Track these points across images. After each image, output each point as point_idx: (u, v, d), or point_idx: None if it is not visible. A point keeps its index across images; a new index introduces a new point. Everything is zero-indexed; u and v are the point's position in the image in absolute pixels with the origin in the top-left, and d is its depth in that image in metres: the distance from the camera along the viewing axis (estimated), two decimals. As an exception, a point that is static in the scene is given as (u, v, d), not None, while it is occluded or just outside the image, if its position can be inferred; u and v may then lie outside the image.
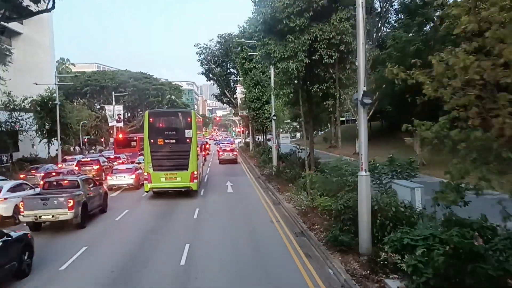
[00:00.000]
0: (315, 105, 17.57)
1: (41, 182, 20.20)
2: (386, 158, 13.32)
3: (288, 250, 11.74)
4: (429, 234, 7.10)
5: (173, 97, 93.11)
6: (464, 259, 6.45)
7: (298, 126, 29.80)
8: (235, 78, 53.78)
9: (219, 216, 16.41)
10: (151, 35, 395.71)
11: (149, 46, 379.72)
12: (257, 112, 35.75)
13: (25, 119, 38.08)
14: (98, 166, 29.01)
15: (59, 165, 33.49)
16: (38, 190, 18.47)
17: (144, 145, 20.43)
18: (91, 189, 17.36)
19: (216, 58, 52.99)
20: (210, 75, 54.55)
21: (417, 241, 7.07)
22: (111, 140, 63.06)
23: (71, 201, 14.81)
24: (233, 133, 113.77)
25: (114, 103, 67.58)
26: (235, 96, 53.25)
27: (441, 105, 6.93)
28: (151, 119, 20.22)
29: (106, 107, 68.66)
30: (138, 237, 13.45)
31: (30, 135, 39.11)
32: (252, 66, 36.41)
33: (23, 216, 14.51)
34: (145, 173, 20.35)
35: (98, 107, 79.22)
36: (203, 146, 34.89)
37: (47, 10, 31.09)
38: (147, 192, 20.67)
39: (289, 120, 31.36)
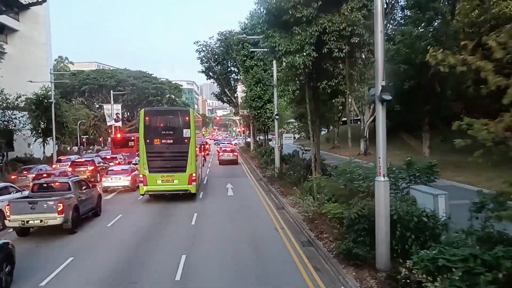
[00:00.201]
0: (321, 103, 16.40)
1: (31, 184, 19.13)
2: (393, 159, 12.23)
3: (295, 262, 10.61)
4: (469, 255, 5.94)
5: (172, 96, 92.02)
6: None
7: (300, 126, 28.60)
8: (235, 77, 52.57)
9: (219, 222, 15.27)
10: (151, 35, 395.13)
11: (149, 46, 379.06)
12: (259, 111, 34.60)
13: (19, 118, 36.90)
14: (93, 167, 27.87)
15: (54, 166, 32.38)
16: (26, 193, 17.45)
17: (140, 146, 19.25)
18: (84, 191, 16.42)
19: (216, 56, 51.76)
20: (210, 74, 53.32)
21: (455, 262, 5.91)
22: (110, 139, 61.88)
23: (61, 204, 13.89)
24: (233, 133, 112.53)
25: (112, 102, 66.43)
26: (235, 95, 52.04)
27: (468, 104, 5.89)
28: (146, 118, 19.06)
29: (105, 106, 67.46)
30: (130, 246, 12.29)
31: (24, 135, 37.94)
32: (253, 64, 35.27)
33: (9, 221, 13.59)
34: (141, 175, 19.18)
35: (97, 106, 78.02)
36: (202, 146, 33.65)
37: (38, 3, 29.91)
38: (142, 195, 19.50)
39: (292, 120, 30.19)
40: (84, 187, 16.80)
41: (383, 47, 9.02)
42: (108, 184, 23.47)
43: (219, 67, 52.44)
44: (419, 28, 22.96)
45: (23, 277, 9.78)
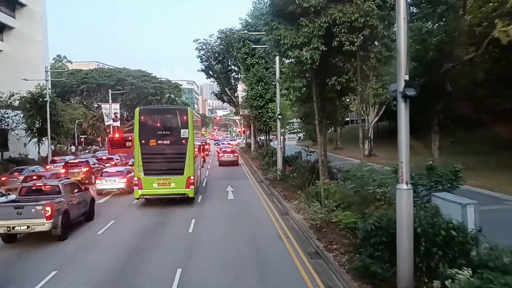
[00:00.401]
0: (328, 102, 15.26)
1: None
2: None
3: (303, 278, 9.49)
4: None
5: (172, 95, 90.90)
6: None
7: (302, 126, 27.46)
8: (236, 76, 51.40)
9: (219, 230, 14.13)
10: (152, 35, 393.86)
11: (149, 46, 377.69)
12: (260, 110, 33.49)
13: (11, 116, 35.77)
14: (87, 169, 26.71)
15: (48, 167, 31.25)
16: (12, 196, 16.38)
17: (134, 147, 18.11)
18: (75, 194, 15.42)
19: (216, 54, 50.57)
20: (210, 72, 52.14)
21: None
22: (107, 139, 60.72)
23: (50, 209, 12.89)
24: (233, 133, 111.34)
25: (110, 101, 65.32)
26: (236, 94, 50.87)
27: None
28: (142, 117, 17.92)
29: (103, 105, 66.37)
30: (121, 258, 11.15)
31: (17, 134, 36.80)
32: (254, 62, 34.18)
33: (-7, 227, 12.53)
34: (135, 178, 18.04)
35: (96, 105, 76.89)
36: (202, 147, 32.49)
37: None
38: (137, 199, 18.36)
39: (294, 120, 29.03)
40: (75, 190, 15.84)
41: (406, 36, 7.89)
42: (102, 186, 22.37)
43: (219, 66, 51.29)
44: (429, 23, 21.84)
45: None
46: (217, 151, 47.24)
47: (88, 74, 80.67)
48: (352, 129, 59.17)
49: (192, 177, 18.02)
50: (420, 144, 36.58)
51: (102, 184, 22.39)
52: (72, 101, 76.21)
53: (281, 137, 25.87)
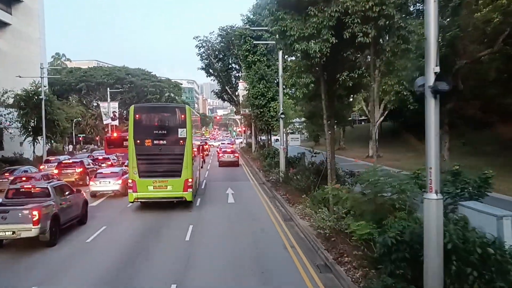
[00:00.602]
0: (336, 99, 14.14)
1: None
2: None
3: (312, 296, 8.42)
4: None
5: (172, 94, 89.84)
6: None
7: (305, 126, 26.34)
8: (237, 74, 50.26)
9: (218, 238, 13.04)
10: (152, 35, 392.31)
11: (149, 45, 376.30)
12: (262, 110, 32.38)
13: (4, 115, 34.69)
14: (81, 169, 25.58)
15: (41, 167, 30.17)
16: (-1, 200, 15.36)
17: (129, 147, 16.99)
18: (66, 197, 14.47)
19: (216, 52, 49.39)
20: (210, 71, 50.94)
21: None
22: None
23: (37, 213, 11.97)
24: (234, 132, 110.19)
25: (109, 100, 64.25)
26: (237, 93, 49.69)
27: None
28: (137, 116, 16.81)
29: (101, 104, 65.28)
30: (109, 271, 10.04)
31: (11, 133, 35.72)
32: (256, 59, 33.07)
33: (-25, 233, 11.63)
34: (130, 180, 16.93)
35: (95, 104, 75.82)
36: (201, 147, 31.38)
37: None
38: (132, 203, 17.26)
39: (296, 119, 27.91)
40: (67, 192, 14.88)
41: (436, 23, 6.83)
42: (96, 188, 21.29)
43: (219, 64, 50.13)
44: (441, 19, 20.73)
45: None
46: (217, 151, 46.20)
47: (87, 72, 79.61)
48: (354, 129, 58.04)
49: (190, 180, 16.93)
50: (418, 143, 35.42)
51: (96, 185, 21.31)
52: (71, 100, 75.23)
53: (284, 137, 24.76)
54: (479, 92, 26.90)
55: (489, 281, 6.63)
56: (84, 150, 58.52)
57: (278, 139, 23.79)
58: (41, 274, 9.98)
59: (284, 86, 24.13)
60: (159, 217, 16.07)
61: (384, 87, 11.09)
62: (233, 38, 42.88)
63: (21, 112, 36.25)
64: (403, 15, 10.86)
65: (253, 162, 38.26)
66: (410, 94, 11.55)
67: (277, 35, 12.49)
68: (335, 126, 14.34)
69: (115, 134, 44.53)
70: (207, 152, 48.62)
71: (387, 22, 10.67)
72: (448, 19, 21.16)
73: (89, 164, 28.01)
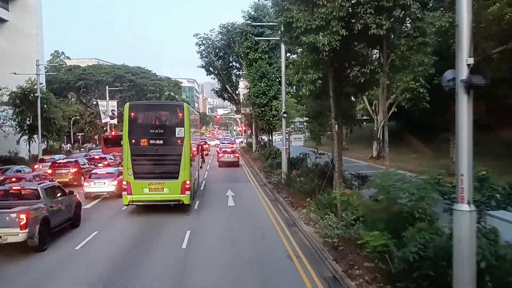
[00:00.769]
0: (344, 97, 13.20)
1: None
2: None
3: (322, 316, 7.52)
4: None
5: (172, 93, 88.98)
6: None
7: (306, 125, 25.39)
8: (237, 72, 49.33)
9: (217, 245, 12.14)
10: (152, 35, 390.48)
11: (149, 45, 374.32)
12: (263, 108, 31.48)
13: (-1, 112, 33.86)
14: (75, 169, 24.65)
15: (36, 166, 29.28)
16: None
17: (123, 147, 16.06)
18: (58, 199, 13.69)
19: (217, 50, 48.45)
20: (211, 69, 50.02)
21: None
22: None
23: (24, 217, 11.22)
24: (234, 132, 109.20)
25: (108, 98, 63.38)
26: (237, 92, 48.77)
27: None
28: (132, 114, 15.88)
29: (99, 102, 64.44)
30: (94, 285, 9.13)
31: (4, 131, 34.79)
32: (257, 57, 32.15)
33: (-41, 238, 10.89)
34: (124, 182, 16.02)
35: (95, 102, 74.96)
36: (200, 147, 30.43)
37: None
38: (126, 205, 16.34)
39: (297, 119, 26.95)
40: (59, 194, 14.08)
41: (469, 7, 5.95)
42: (91, 189, 20.36)
43: (220, 62, 49.19)
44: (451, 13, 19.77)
45: None
46: (216, 151, 45.33)
47: (86, 70, 78.71)
48: (356, 128, 57.07)
49: (188, 182, 16.02)
50: (419, 144, 34.52)
51: (91, 187, 20.38)
52: (71, 98, 74.42)
53: (286, 137, 23.85)
54: (488, 92, 25.99)
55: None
56: (82, 149, 57.54)
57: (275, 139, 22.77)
58: (20, 286, 9.08)
59: (286, 84, 23.23)
60: (154, 222, 15.16)
61: (398, 84, 10.17)
62: (234, 36, 41.99)
63: (17, 110, 35.32)
64: (420, 5, 9.95)
65: (253, 162, 37.36)
66: (426, 92, 10.64)
67: (281, 27, 11.56)
68: (342, 126, 13.39)
69: (112, 133, 43.66)
70: (206, 152, 47.74)
71: (403, 13, 9.77)
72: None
73: (84, 164, 27.06)
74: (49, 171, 24.07)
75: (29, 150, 37.37)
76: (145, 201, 16.01)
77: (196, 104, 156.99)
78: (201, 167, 29.38)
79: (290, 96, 26.20)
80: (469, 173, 6.06)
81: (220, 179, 27.38)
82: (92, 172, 21.99)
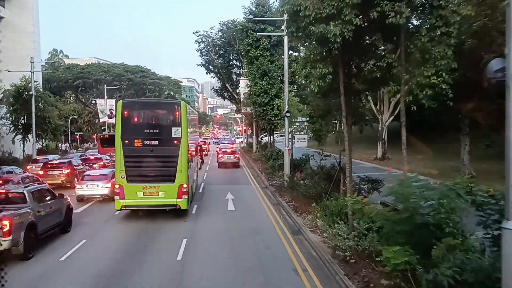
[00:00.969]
0: (354, 94, 12.11)
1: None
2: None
3: None
4: None
5: (172, 92, 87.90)
6: None
7: (307, 125, 24.24)
8: (237, 71, 48.26)
9: (215, 255, 11.08)
10: (152, 34, 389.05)
11: (149, 45, 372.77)
12: (264, 108, 30.43)
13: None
14: (69, 170, 23.58)
15: (29, 167, 28.21)
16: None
17: (116, 148, 14.99)
18: (46, 203, 12.83)
19: (217, 48, 47.37)
20: (210, 67, 48.95)
21: None
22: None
23: (7, 223, 10.41)
24: (234, 132, 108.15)
25: (106, 97, 62.32)
26: (237, 91, 47.72)
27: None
28: (125, 112, 14.81)
29: (98, 101, 63.42)
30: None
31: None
32: (259, 54, 31.12)
33: None
34: (116, 186, 14.94)
35: (94, 101, 73.96)
36: (199, 147, 29.35)
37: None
38: (118, 210, 15.27)
39: (299, 118, 25.78)
40: (48, 197, 13.21)
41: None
42: (83, 192, 19.31)
43: (220, 60, 48.10)
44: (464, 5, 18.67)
45: None
46: (216, 151, 44.29)
47: (85, 69, 77.60)
48: (364, 129, 55.93)
49: (185, 185, 14.95)
50: (421, 145, 33.39)
51: (83, 189, 19.34)
52: (68, 97, 73.38)
53: (289, 137, 22.78)
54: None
55: None
56: (80, 149, 56.48)
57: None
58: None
59: (289, 82, 22.15)
60: (148, 228, 14.10)
61: (418, 79, 9.10)
62: (234, 33, 40.95)
63: (11, 108, 34.29)
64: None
65: (254, 163, 36.29)
66: (449, 88, 9.57)
67: (287, 17, 10.47)
68: (352, 126, 12.30)
69: (110, 132, 42.64)
70: (206, 152, 46.71)
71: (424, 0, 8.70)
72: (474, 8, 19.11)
73: (78, 165, 25.99)
74: (41, 172, 22.98)
75: (24, 150, 36.36)
76: (138, 206, 14.95)
77: (196, 104, 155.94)
78: (200, 168, 28.34)
79: (292, 95, 25.16)
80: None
81: (220, 181, 26.34)
82: (85, 174, 20.93)
